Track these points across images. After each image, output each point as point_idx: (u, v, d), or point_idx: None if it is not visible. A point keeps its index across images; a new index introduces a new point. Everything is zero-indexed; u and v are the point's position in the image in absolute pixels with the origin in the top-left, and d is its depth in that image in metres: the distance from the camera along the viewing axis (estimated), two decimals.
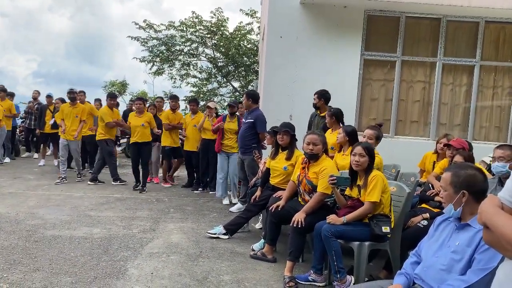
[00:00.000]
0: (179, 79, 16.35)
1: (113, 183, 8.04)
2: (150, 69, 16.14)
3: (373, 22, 7.25)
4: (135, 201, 6.74)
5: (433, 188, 4.13)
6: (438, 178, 4.11)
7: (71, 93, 8.13)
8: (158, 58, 15.82)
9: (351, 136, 4.68)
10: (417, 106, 7.46)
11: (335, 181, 3.59)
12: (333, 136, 5.39)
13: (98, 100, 10.49)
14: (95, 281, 3.56)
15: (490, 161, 3.76)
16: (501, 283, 1.25)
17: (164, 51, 15.68)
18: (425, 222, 3.67)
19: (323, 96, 5.91)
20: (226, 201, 6.87)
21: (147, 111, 8.02)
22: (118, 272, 3.78)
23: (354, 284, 3.46)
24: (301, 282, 3.75)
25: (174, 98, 8.67)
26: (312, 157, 4.05)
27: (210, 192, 7.61)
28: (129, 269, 3.86)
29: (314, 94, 5.96)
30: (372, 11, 7.15)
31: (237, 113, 7.13)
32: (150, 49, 15.69)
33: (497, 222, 1.20)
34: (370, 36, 7.28)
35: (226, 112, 7.87)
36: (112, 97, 8.33)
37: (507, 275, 1.23)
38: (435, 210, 3.85)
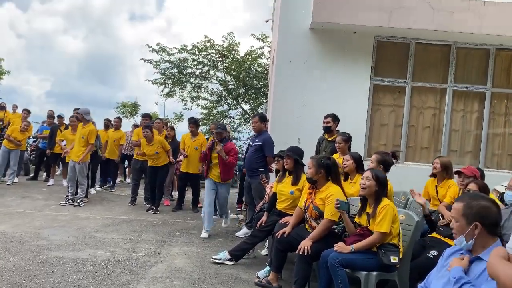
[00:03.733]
0: (190, 101, 16.51)
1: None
2: (162, 91, 16.34)
3: (382, 48, 7.27)
4: (141, 223, 6.69)
5: (443, 218, 4.02)
6: (448, 207, 4.00)
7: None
8: (170, 81, 16.02)
9: (358, 163, 4.62)
10: (427, 132, 7.38)
11: (339, 205, 3.55)
12: (341, 161, 5.33)
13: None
14: None
15: (505, 189, 3.66)
16: None
17: (176, 74, 15.89)
18: (435, 253, 3.56)
19: (336, 119, 5.91)
20: (204, 234, 6.05)
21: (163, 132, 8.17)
22: None
23: None
24: None
25: (194, 123, 8.10)
26: (310, 181, 4.00)
27: (214, 217, 7.50)
28: None
29: (327, 117, 5.93)
30: (382, 37, 7.17)
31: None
32: (162, 71, 15.91)
33: (498, 272, 1.21)
34: (380, 62, 7.29)
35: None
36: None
37: None
38: (446, 240, 3.75)
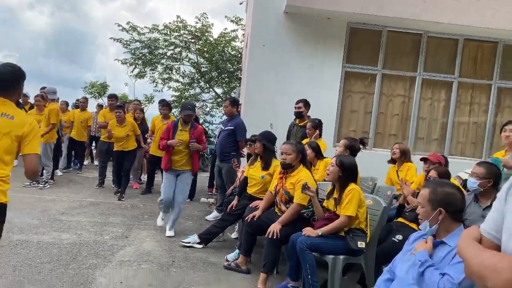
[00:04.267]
0: (161, 83, 16.20)
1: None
2: (132, 71, 15.95)
3: (355, 35, 7.31)
4: (109, 206, 6.57)
5: (408, 204, 4.13)
6: (414, 194, 4.11)
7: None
8: (140, 61, 15.64)
9: (317, 151, 4.82)
10: (396, 119, 7.53)
11: (303, 188, 3.64)
12: None
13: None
14: None
15: (468, 176, 3.77)
16: None
17: (147, 54, 15.51)
18: (400, 237, 3.66)
19: (308, 105, 5.94)
20: (160, 222, 5.53)
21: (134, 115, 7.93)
22: (85, 280, 3.64)
23: None
24: None
25: (167, 105, 7.99)
26: (286, 167, 4.00)
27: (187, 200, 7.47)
28: (97, 278, 3.72)
29: (299, 102, 5.95)
30: (355, 23, 7.20)
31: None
32: (133, 51, 15.50)
33: (466, 254, 1.21)
34: (352, 49, 7.33)
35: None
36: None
37: None
38: (411, 225, 3.85)
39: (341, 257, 3.47)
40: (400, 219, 4.07)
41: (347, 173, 3.53)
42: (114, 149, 7.54)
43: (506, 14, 6.58)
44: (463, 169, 5.36)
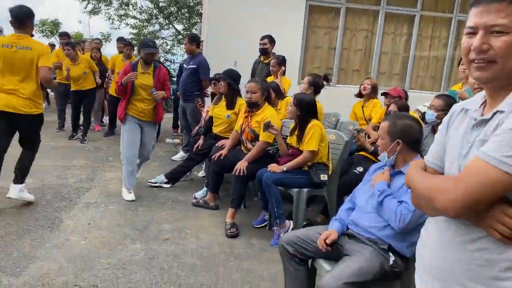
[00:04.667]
0: (118, 20, 15.35)
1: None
2: (85, 7, 14.96)
3: None
4: (71, 149, 6.42)
5: (369, 138, 4.26)
6: (374, 127, 4.23)
7: None
8: None
9: (276, 91, 4.70)
10: (359, 55, 7.55)
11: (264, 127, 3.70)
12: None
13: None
14: (27, 233, 3.40)
15: (427, 109, 3.90)
16: (423, 241, 1.33)
17: None
18: (360, 169, 3.81)
19: (273, 41, 5.79)
20: (130, 196, 4.37)
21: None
22: (52, 223, 3.63)
23: (293, 228, 3.58)
24: (258, 226, 3.90)
25: (130, 44, 7.76)
26: (251, 105, 3.99)
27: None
28: (64, 220, 3.72)
29: (264, 38, 5.79)
30: None
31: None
32: None
33: (413, 180, 1.26)
34: None
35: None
36: None
37: (427, 234, 1.31)
38: (371, 157, 4.01)
39: (305, 190, 3.60)
40: (361, 152, 4.22)
41: (305, 110, 3.58)
42: (71, 89, 7.17)
43: None
44: (423, 102, 5.54)
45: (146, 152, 4.67)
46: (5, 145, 3.92)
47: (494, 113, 1.11)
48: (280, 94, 4.83)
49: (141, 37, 15.47)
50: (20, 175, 3.99)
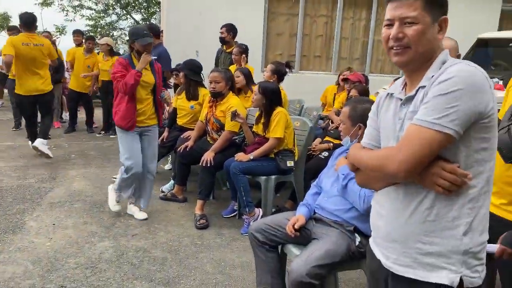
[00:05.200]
0: (72, 11, 14.77)
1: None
2: None
3: None
4: (30, 148, 6.17)
5: (333, 123, 4.35)
6: (337, 113, 4.31)
7: None
8: None
9: (248, 78, 4.65)
10: (320, 41, 7.63)
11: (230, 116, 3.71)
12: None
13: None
14: None
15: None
16: (377, 212, 1.45)
17: None
18: (326, 154, 3.89)
19: (232, 29, 5.71)
20: (115, 206, 3.82)
21: None
22: (14, 226, 3.51)
23: (262, 216, 3.62)
24: (227, 216, 3.91)
25: (92, 38, 7.67)
26: (216, 95, 3.97)
27: (111, 136, 7.24)
28: (27, 222, 3.60)
29: (222, 28, 5.74)
30: None
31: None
32: None
33: (360, 158, 1.41)
34: None
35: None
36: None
37: (380, 205, 1.43)
38: (336, 142, 4.09)
39: (273, 177, 3.65)
40: (326, 138, 4.29)
41: (270, 98, 3.61)
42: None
43: None
44: (383, 86, 5.69)
45: (153, 167, 3.90)
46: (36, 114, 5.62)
47: (417, 90, 1.28)
48: (251, 81, 4.72)
49: (98, 29, 15.00)
50: (43, 134, 5.51)
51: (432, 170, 1.22)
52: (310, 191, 2.62)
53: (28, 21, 5.17)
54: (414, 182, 1.28)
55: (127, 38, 15.88)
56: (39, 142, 5.32)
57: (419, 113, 1.22)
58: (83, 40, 7.46)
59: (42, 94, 5.34)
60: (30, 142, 5.56)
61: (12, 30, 7.53)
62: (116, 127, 3.74)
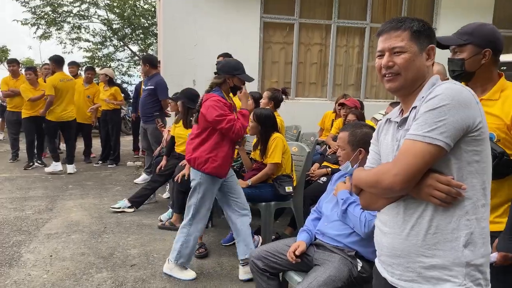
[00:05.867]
0: (70, 44, 15.00)
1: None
2: (35, 33, 14.53)
3: None
4: (27, 179, 6.16)
5: (330, 148, 4.37)
6: (335, 138, 4.34)
7: None
8: (43, 21, 14.25)
9: (257, 103, 4.71)
10: (315, 68, 7.74)
11: None
12: (236, 100, 5.39)
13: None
14: None
15: (382, 116, 4.05)
16: (380, 230, 1.49)
17: (50, 13, 14.14)
18: (324, 179, 3.89)
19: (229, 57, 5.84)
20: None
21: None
22: (11, 259, 3.45)
23: (262, 243, 3.59)
24: (227, 244, 3.85)
25: (92, 69, 7.89)
26: None
27: (109, 166, 7.24)
28: (24, 255, 3.55)
29: (219, 57, 5.85)
30: None
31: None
32: (33, 10, 14.03)
33: (360, 178, 1.47)
34: None
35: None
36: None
37: (382, 223, 1.47)
38: (333, 166, 4.10)
39: (272, 203, 3.63)
40: (325, 163, 4.30)
41: (266, 125, 3.64)
42: (26, 116, 6.81)
43: None
44: (378, 111, 5.74)
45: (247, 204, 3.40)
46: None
47: (410, 111, 1.37)
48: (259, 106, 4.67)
49: (95, 60, 15.19)
50: (70, 158, 6.75)
51: (427, 182, 1.28)
52: (310, 216, 2.61)
53: (59, 60, 6.58)
54: (413, 198, 1.33)
55: (125, 69, 16.11)
56: (71, 168, 6.62)
57: (411, 128, 1.31)
58: (79, 72, 7.57)
59: (69, 121, 6.53)
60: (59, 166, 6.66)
61: (12, 63, 7.64)
62: (202, 176, 3.10)
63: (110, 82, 7.28)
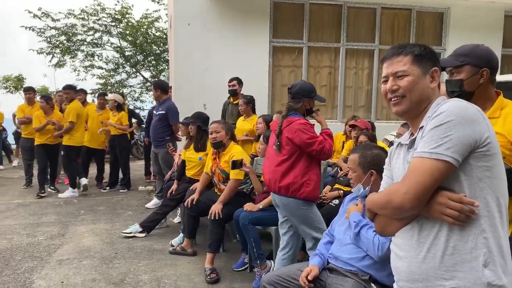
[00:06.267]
0: (84, 71, 15.32)
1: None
2: (50, 61, 14.89)
3: (279, 9, 7.35)
4: (40, 205, 6.20)
5: (341, 170, 4.33)
6: (346, 160, 4.31)
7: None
8: (58, 49, 14.62)
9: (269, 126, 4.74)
10: (325, 90, 7.77)
11: (232, 165, 3.65)
12: (246, 123, 5.44)
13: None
14: None
15: (394, 138, 4.02)
16: (396, 254, 1.46)
17: (64, 42, 14.52)
18: (336, 201, 3.84)
19: (241, 82, 5.99)
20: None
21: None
22: (23, 285, 3.45)
23: (274, 268, 3.52)
24: (238, 269, 3.80)
25: (103, 95, 8.07)
26: (217, 146, 4.00)
27: (121, 191, 7.27)
28: (35, 281, 3.53)
29: (232, 80, 5.96)
30: None
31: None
32: (48, 39, 14.42)
33: (371, 199, 1.46)
34: (277, 23, 7.38)
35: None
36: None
37: (398, 247, 1.44)
38: (345, 189, 4.05)
39: None
40: (336, 185, 4.26)
41: None
42: (37, 143, 6.90)
43: None
44: (389, 132, 5.71)
45: None
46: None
47: (418, 131, 1.39)
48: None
49: (108, 87, 15.47)
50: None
51: (439, 200, 1.26)
52: (322, 240, 2.56)
53: (73, 87, 7.27)
54: (427, 219, 1.31)
55: (137, 94, 16.35)
56: (84, 181, 6.97)
57: (419, 146, 1.31)
58: (93, 98, 7.76)
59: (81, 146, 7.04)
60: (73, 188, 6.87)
61: (28, 91, 7.83)
62: (295, 202, 2.97)
63: (119, 107, 7.38)
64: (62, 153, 6.98)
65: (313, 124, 3.13)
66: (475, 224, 1.25)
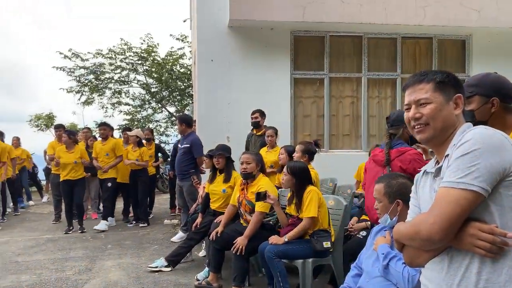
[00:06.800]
0: (111, 108, 15.82)
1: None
2: (79, 99, 15.48)
3: (299, 42, 7.49)
4: (69, 240, 6.29)
5: None
6: None
7: None
8: (87, 88, 15.22)
9: (290, 156, 4.76)
10: (348, 120, 7.76)
11: (256, 197, 3.65)
12: (270, 154, 5.46)
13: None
14: None
15: None
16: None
17: (93, 80, 15.12)
18: (364, 233, 3.76)
19: (264, 114, 6.09)
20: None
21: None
22: None
23: None
24: None
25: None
26: (247, 176, 4.02)
27: (141, 225, 7.27)
28: None
29: (255, 113, 6.07)
30: (298, 32, 7.38)
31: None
32: (78, 78, 15.05)
33: (398, 230, 1.43)
34: (298, 56, 7.50)
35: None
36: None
37: (428, 280, 1.40)
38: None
39: (310, 260, 3.51)
40: (363, 216, 4.17)
41: (300, 177, 3.61)
42: (60, 180, 7.03)
43: (436, 10, 7.00)
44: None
45: None
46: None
47: (444, 159, 1.37)
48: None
49: (135, 122, 15.89)
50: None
51: (469, 231, 1.23)
52: (350, 273, 2.50)
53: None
54: (457, 250, 1.27)
55: (162, 129, 16.72)
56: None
57: (445, 176, 1.28)
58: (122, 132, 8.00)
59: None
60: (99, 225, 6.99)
61: (59, 128, 8.13)
62: None
63: (140, 143, 7.52)
64: (109, 184, 7.26)
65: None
66: (509, 256, 1.20)
